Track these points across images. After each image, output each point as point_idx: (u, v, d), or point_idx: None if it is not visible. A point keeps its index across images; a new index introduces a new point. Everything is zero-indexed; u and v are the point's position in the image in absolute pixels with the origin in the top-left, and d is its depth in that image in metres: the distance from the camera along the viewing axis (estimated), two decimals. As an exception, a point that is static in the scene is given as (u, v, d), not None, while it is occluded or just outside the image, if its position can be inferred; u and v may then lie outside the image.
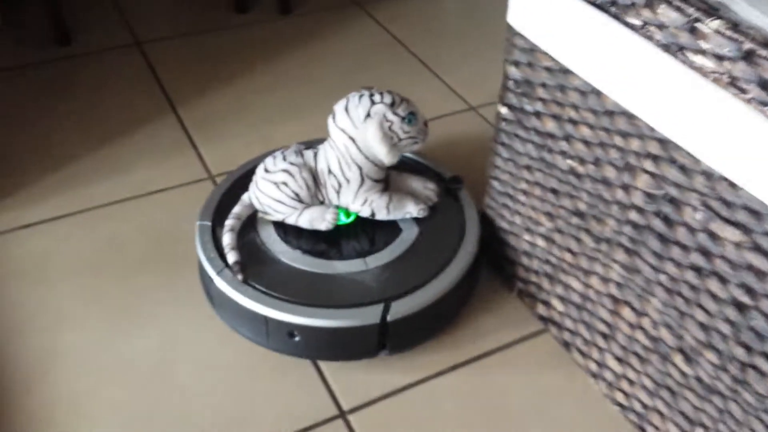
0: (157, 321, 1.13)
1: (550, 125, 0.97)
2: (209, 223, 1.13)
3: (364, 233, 1.13)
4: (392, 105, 1.06)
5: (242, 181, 1.19)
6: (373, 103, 1.05)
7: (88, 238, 1.26)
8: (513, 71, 1.00)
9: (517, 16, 0.95)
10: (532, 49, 0.95)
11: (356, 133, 1.06)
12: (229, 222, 1.10)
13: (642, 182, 0.85)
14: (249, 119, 1.54)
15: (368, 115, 1.05)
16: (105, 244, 1.25)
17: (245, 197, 1.13)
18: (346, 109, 1.06)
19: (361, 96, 1.06)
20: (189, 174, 1.39)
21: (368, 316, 1.02)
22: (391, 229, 1.13)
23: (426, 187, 1.16)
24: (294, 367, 1.07)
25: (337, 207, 1.12)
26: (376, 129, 1.04)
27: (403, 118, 1.06)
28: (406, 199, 1.12)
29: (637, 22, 0.78)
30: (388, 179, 1.14)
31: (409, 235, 1.13)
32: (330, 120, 1.08)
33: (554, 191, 1.00)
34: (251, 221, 1.13)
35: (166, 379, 1.05)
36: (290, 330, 1.02)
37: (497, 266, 1.19)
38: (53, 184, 1.36)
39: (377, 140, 1.05)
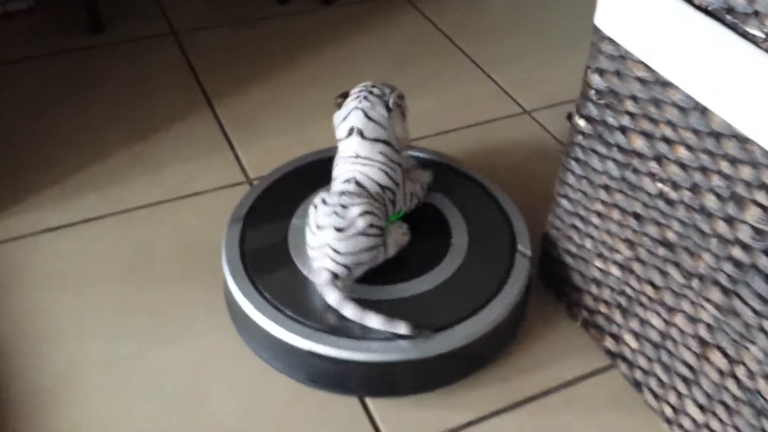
0: (187, 336, 1.04)
1: (639, 143, 0.86)
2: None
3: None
4: (394, 89, 1.06)
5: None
6: (383, 95, 1.04)
7: (119, 244, 1.17)
8: (597, 80, 0.89)
9: (606, 19, 0.85)
10: (623, 57, 0.84)
11: (387, 133, 1.02)
12: (349, 306, 0.94)
13: (751, 216, 0.74)
14: (289, 116, 1.44)
15: (389, 109, 1.03)
16: (136, 250, 1.16)
17: (324, 277, 0.95)
18: (369, 118, 1.02)
19: (366, 99, 1.03)
20: (225, 177, 1.30)
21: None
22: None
23: (417, 167, 1.14)
24: (338, 403, 0.97)
25: (391, 216, 1.04)
26: (397, 116, 1.04)
27: (401, 95, 1.07)
28: (416, 173, 1.11)
29: (759, 33, 0.67)
30: None
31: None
32: (356, 138, 1.01)
33: (637, 216, 0.89)
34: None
35: (195, 403, 0.96)
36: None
37: (558, 291, 1.08)
38: (82, 182, 1.27)
39: (400, 124, 1.04)
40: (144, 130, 1.39)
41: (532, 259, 1.04)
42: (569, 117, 1.12)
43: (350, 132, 1.02)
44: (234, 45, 1.65)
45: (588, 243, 0.99)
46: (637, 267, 0.92)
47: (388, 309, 0.95)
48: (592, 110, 0.92)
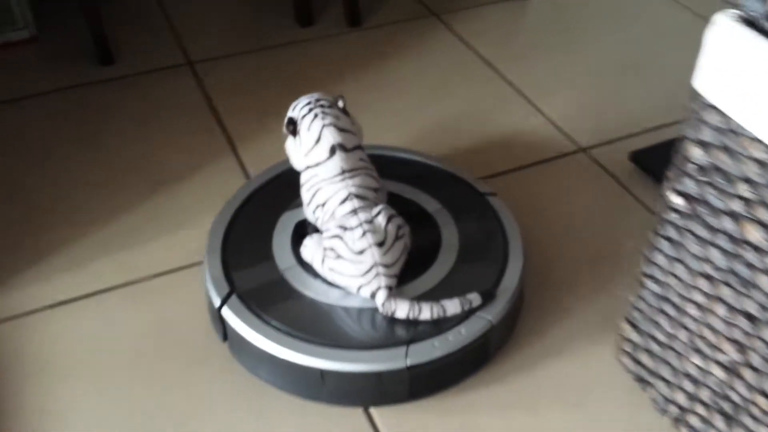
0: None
1: (756, 235, 0.71)
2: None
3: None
4: (331, 96, 1.03)
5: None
6: (334, 104, 1.00)
7: (131, 322, 1.03)
8: (698, 154, 0.74)
9: (711, 83, 0.70)
10: (735, 132, 0.69)
11: (358, 138, 1.00)
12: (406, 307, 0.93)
13: None
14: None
15: (347, 114, 1.01)
16: (151, 328, 1.02)
17: (382, 299, 0.94)
18: (341, 130, 0.97)
19: (325, 114, 0.98)
20: (252, 237, 1.16)
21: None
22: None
23: None
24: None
25: None
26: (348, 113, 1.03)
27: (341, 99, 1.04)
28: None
29: None
30: None
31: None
32: (341, 154, 0.96)
33: (750, 317, 0.75)
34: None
35: None
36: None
37: (641, 379, 0.94)
38: (89, 247, 1.13)
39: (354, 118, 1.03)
40: (159, 182, 1.25)
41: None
42: (634, 159, 1.00)
43: (332, 151, 0.96)
44: (255, 74, 1.51)
45: (682, 335, 0.84)
46: (747, 373, 0.77)
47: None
48: (691, 187, 0.77)
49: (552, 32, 1.67)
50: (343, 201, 0.95)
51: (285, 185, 1.10)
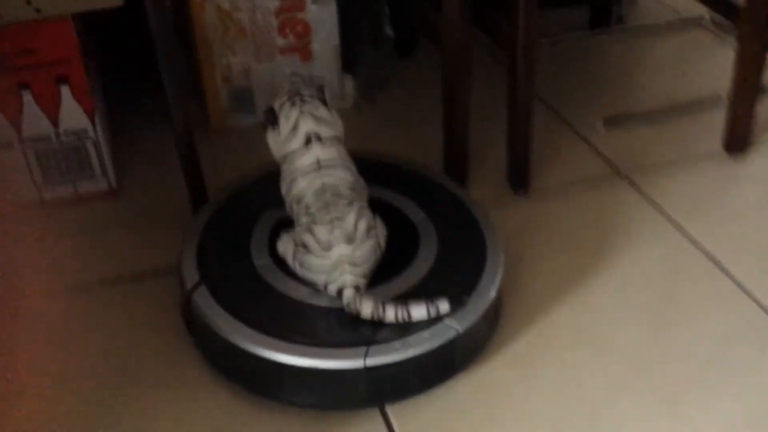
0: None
1: None
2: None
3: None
4: (314, 86, 1.03)
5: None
6: (315, 95, 1.00)
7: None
8: None
9: None
10: None
11: (336, 129, 1.00)
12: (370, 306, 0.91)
13: None
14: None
15: (326, 104, 1.01)
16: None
17: (348, 296, 0.92)
18: (318, 119, 0.97)
19: (303, 102, 0.98)
20: None
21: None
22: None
23: None
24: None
25: None
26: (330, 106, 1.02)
27: (322, 89, 1.04)
28: None
29: None
30: None
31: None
32: (317, 145, 0.96)
33: None
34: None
35: None
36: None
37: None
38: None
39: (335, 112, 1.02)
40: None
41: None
42: None
43: (308, 139, 0.96)
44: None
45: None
46: None
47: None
48: None
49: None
50: (317, 194, 0.94)
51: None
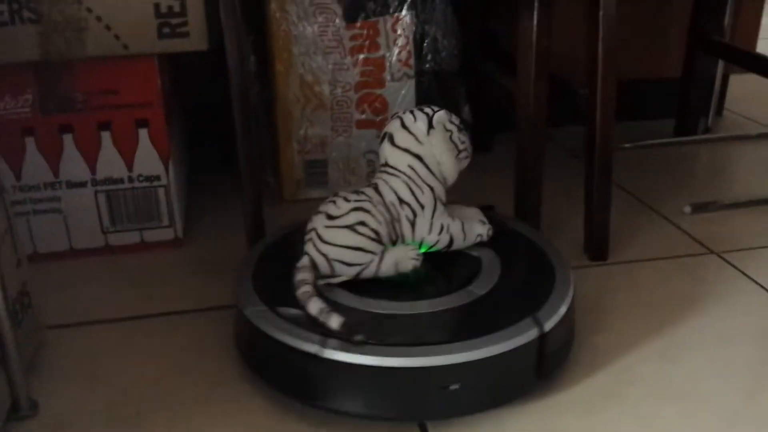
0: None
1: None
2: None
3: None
4: (449, 114, 0.97)
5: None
6: (431, 113, 0.96)
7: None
8: None
9: None
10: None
11: (422, 149, 0.95)
12: (304, 290, 0.86)
13: None
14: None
15: (431, 126, 0.95)
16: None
17: (303, 261, 0.91)
18: (405, 127, 0.95)
19: (412, 112, 0.96)
20: None
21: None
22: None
23: (479, 213, 1.02)
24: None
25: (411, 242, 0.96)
26: (442, 138, 0.95)
27: (459, 128, 0.98)
28: (471, 222, 0.99)
29: None
30: None
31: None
32: (386, 145, 0.96)
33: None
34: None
35: None
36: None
37: None
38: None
39: (445, 150, 0.95)
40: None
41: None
42: None
43: (383, 138, 0.97)
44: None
45: None
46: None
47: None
48: None
49: None
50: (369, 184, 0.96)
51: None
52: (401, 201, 0.93)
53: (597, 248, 1.18)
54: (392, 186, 0.94)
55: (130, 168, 1.18)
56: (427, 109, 0.97)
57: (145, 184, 1.19)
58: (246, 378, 0.90)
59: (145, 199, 1.20)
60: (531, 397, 0.86)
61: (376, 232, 0.90)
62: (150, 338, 0.99)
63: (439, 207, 0.96)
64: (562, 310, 0.87)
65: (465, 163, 0.99)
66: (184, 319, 1.03)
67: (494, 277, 0.94)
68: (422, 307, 0.88)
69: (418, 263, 0.92)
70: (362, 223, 0.90)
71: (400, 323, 0.85)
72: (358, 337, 0.79)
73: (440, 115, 0.96)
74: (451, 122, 0.97)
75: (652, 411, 0.84)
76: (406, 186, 0.94)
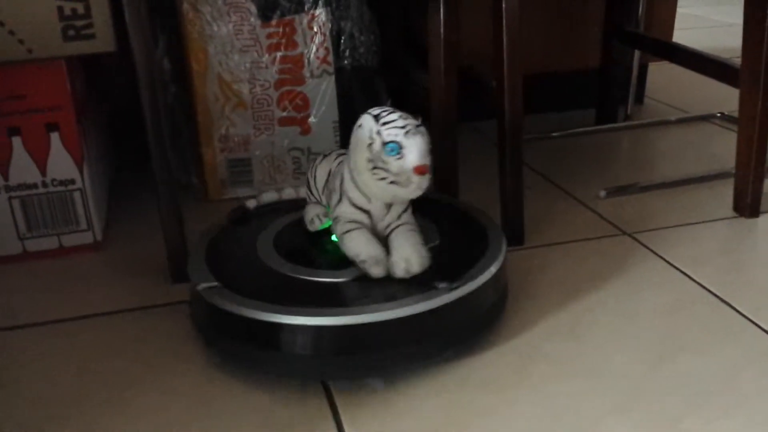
0: None
1: None
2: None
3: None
4: (380, 121, 0.87)
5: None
6: (372, 115, 0.89)
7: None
8: None
9: None
10: None
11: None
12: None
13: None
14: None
15: (359, 125, 0.90)
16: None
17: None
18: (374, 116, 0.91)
19: (389, 111, 0.90)
20: None
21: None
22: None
23: (415, 252, 0.91)
24: None
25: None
26: (354, 137, 0.90)
27: (384, 143, 0.85)
28: (369, 245, 0.91)
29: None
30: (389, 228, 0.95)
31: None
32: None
33: None
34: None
35: None
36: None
37: None
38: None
39: (352, 151, 0.90)
40: None
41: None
42: None
43: None
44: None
45: None
46: None
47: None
48: None
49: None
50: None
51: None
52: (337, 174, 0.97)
53: (513, 234, 1.20)
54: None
55: (43, 173, 1.17)
56: (394, 115, 0.88)
57: (60, 188, 1.18)
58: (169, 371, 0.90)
59: (60, 203, 1.19)
60: (437, 374, 0.88)
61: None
62: (70, 340, 0.98)
63: (344, 203, 0.93)
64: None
65: (393, 191, 0.87)
66: (101, 321, 1.03)
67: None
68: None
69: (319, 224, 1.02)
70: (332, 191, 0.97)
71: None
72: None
73: (364, 118, 0.89)
74: (378, 133, 0.86)
75: (555, 388, 0.86)
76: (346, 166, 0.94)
